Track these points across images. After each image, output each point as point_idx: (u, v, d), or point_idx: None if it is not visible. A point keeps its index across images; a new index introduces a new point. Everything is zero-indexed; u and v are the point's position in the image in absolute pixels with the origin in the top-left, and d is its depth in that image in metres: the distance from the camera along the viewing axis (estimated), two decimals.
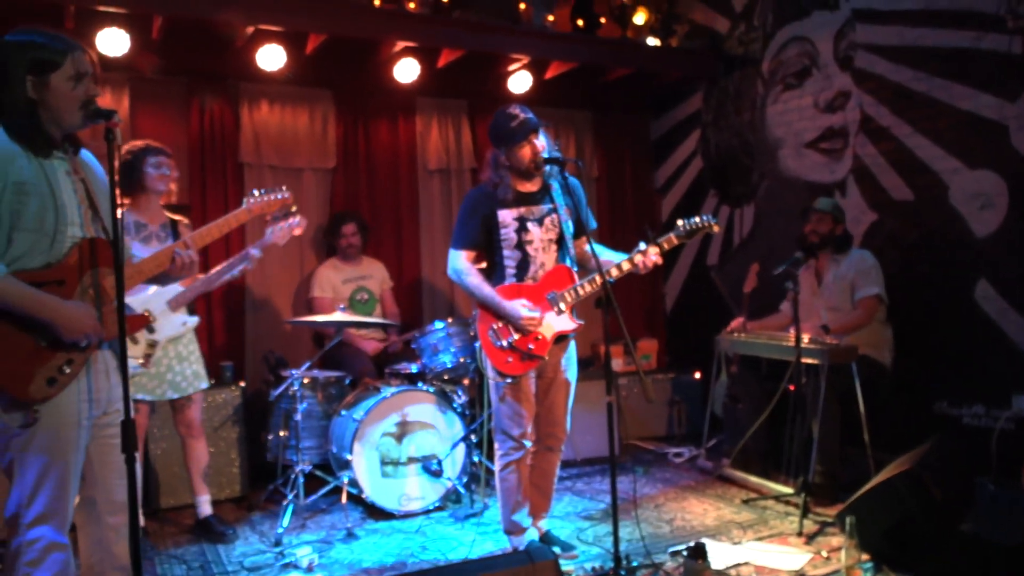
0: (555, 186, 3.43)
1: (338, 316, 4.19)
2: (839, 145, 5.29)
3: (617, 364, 5.71)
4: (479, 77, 6.01)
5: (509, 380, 3.32)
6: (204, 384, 3.93)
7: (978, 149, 4.48)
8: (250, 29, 4.85)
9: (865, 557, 3.25)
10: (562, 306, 3.37)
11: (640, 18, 6.22)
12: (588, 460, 5.08)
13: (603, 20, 6.04)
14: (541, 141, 3.35)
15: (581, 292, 3.36)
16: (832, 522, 3.79)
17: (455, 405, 4.33)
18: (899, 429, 4.63)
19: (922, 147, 4.76)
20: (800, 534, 3.74)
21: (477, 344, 3.40)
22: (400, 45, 5.29)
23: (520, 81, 5.89)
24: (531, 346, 3.31)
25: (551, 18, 5.82)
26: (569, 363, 3.50)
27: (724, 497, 4.43)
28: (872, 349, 4.40)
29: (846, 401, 4.21)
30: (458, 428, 4.32)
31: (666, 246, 3.40)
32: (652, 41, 6.15)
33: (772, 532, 3.82)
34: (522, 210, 3.40)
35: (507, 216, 3.39)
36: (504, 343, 3.32)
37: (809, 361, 4.16)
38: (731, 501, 4.35)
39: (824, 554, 3.48)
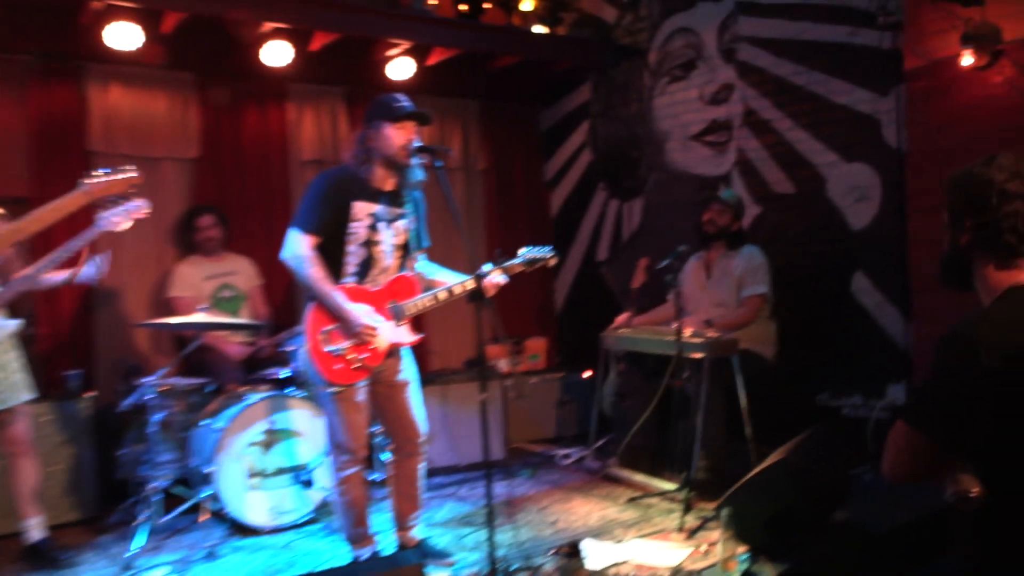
0: (405, 194, 3.45)
1: (198, 317, 4.09)
2: (724, 138, 5.53)
3: (503, 365, 5.79)
4: (356, 63, 5.98)
5: (335, 388, 3.29)
6: (28, 395, 3.71)
7: (854, 143, 4.77)
8: (98, 4, 4.69)
9: (742, 549, 3.42)
10: (403, 317, 3.39)
11: (527, 5, 6.32)
12: (472, 465, 5.13)
13: (488, 6, 6.11)
14: (417, 136, 3.37)
15: (423, 305, 3.40)
16: (713, 516, 3.96)
17: None
18: (782, 422, 4.87)
19: (802, 141, 5.02)
20: (682, 529, 3.90)
21: (303, 345, 3.33)
22: (269, 26, 5.21)
23: (400, 67, 5.89)
24: (364, 355, 3.29)
25: (433, 1, 5.85)
26: (405, 363, 3.51)
27: (610, 496, 4.56)
28: (755, 343, 4.61)
29: (730, 395, 4.40)
30: None
31: (509, 270, 3.53)
32: (539, 29, 6.26)
33: (655, 529, 3.96)
34: (377, 207, 3.37)
35: (362, 209, 3.34)
36: (335, 348, 3.26)
37: (691, 355, 4.34)
38: (616, 500, 4.49)
39: (703, 548, 3.64)
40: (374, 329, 3.28)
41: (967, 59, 4.03)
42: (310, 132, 5.92)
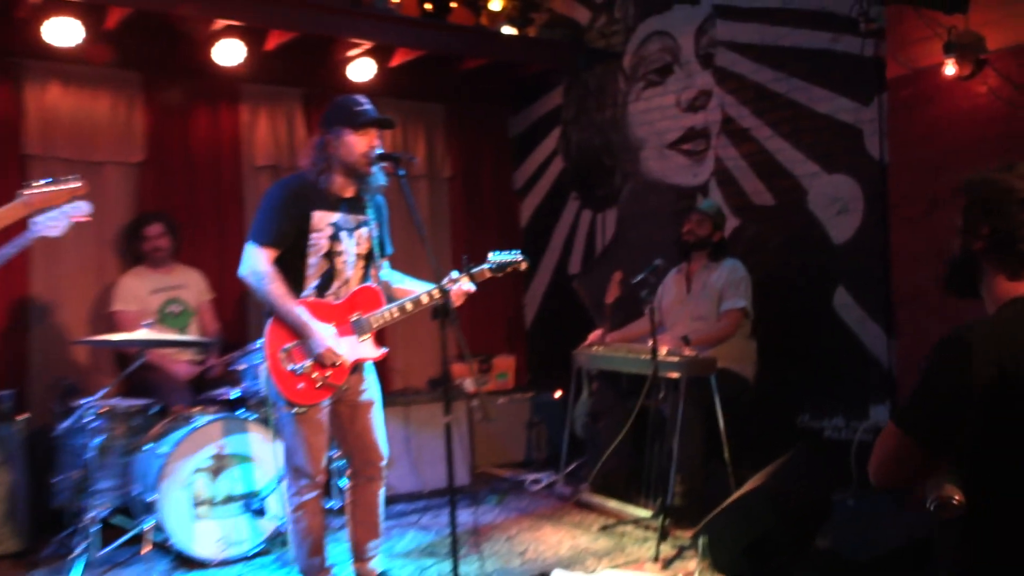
0: (368, 200, 3.47)
1: (142, 334, 4.05)
2: (701, 147, 5.60)
3: (469, 385, 5.79)
4: (315, 63, 5.98)
5: (298, 409, 3.29)
6: None
7: (835, 153, 4.86)
8: None
9: None
10: (366, 331, 3.40)
11: (496, 4, 6.37)
12: (436, 492, 5.12)
13: (454, 5, 6.15)
14: (379, 141, 3.39)
15: (388, 317, 3.41)
16: (689, 545, 4.00)
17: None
18: (762, 444, 4.93)
19: (782, 150, 5.11)
20: (657, 559, 3.92)
21: (263, 364, 3.34)
22: (220, 23, 5.20)
23: (362, 69, 5.90)
24: (327, 373, 3.29)
25: (396, 0, 5.88)
26: (368, 382, 3.52)
27: (581, 525, 4.58)
28: (733, 362, 4.67)
29: (708, 417, 4.44)
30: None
31: (478, 277, 3.55)
32: (508, 30, 6.31)
33: (629, 559, 3.98)
34: (338, 216, 3.39)
35: (323, 219, 3.36)
36: (296, 367, 3.26)
37: (668, 375, 4.37)
38: (588, 528, 4.50)
39: None
40: (338, 355, 3.28)
41: (950, 68, 4.13)
42: (265, 136, 5.91)
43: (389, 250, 3.61)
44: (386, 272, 3.65)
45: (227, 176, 5.77)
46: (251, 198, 5.85)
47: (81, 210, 3.30)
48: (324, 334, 3.27)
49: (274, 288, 3.26)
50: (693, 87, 5.64)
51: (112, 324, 5.00)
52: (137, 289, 5.05)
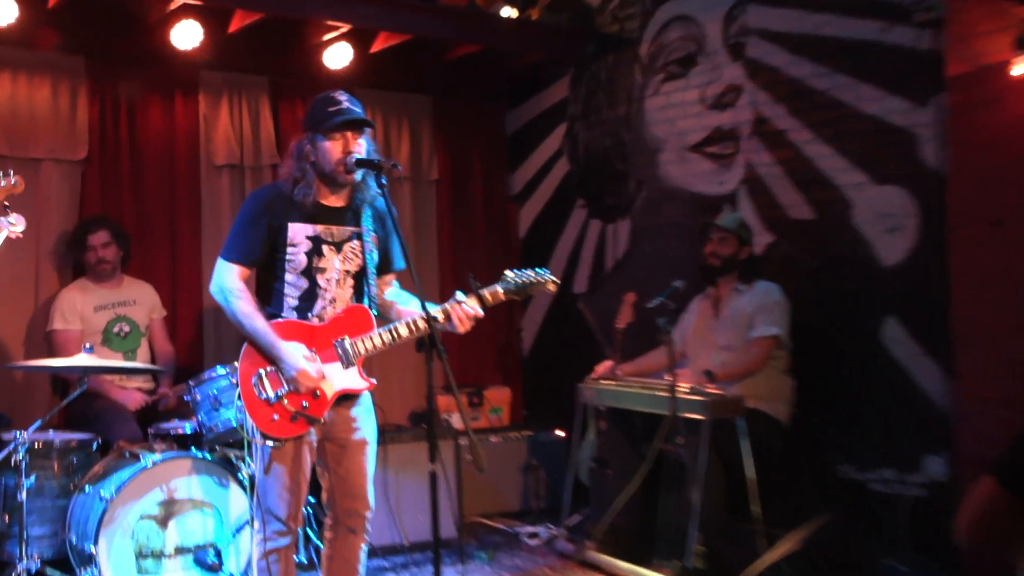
0: (365, 208, 3.49)
1: (82, 358, 4.04)
2: (729, 150, 5.59)
3: (456, 421, 5.76)
4: (284, 48, 5.99)
5: (272, 443, 3.32)
6: None
7: (885, 161, 4.85)
8: None
9: None
10: (352, 358, 3.40)
11: None
12: (418, 545, 5.09)
13: None
14: (361, 144, 3.40)
15: (379, 343, 3.40)
16: None
17: (241, 477, 4.25)
18: (797, 498, 4.91)
19: (823, 156, 5.10)
20: None
21: (226, 396, 3.38)
22: (176, 2, 5.21)
23: (338, 55, 5.91)
24: (305, 403, 3.32)
25: None
26: (363, 418, 3.53)
27: None
28: (765, 402, 4.65)
29: (733, 465, 4.43)
30: (244, 507, 4.25)
31: (489, 299, 3.47)
32: (507, 12, 6.32)
33: None
34: (320, 228, 3.42)
35: (300, 232, 3.40)
36: (271, 395, 3.31)
37: (688, 415, 4.35)
38: None
39: None
40: (313, 377, 3.29)
41: (1020, 67, 4.13)
42: (227, 130, 5.92)
43: (398, 265, 3.62)
44: (393, 292, 3.66)
45: (183, 176, 5.78)
46: (210, 201, 5.88)
47: (15, 225, 3.29)
48: (295, 354, 3.30)
49: (241, 305, 3.34)
50: (720, 81, 5.64)
51: (50, 345, 5.00)
52: (79, 305, 5.04)
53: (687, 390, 4.41)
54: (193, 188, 5.80)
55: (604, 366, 5.08)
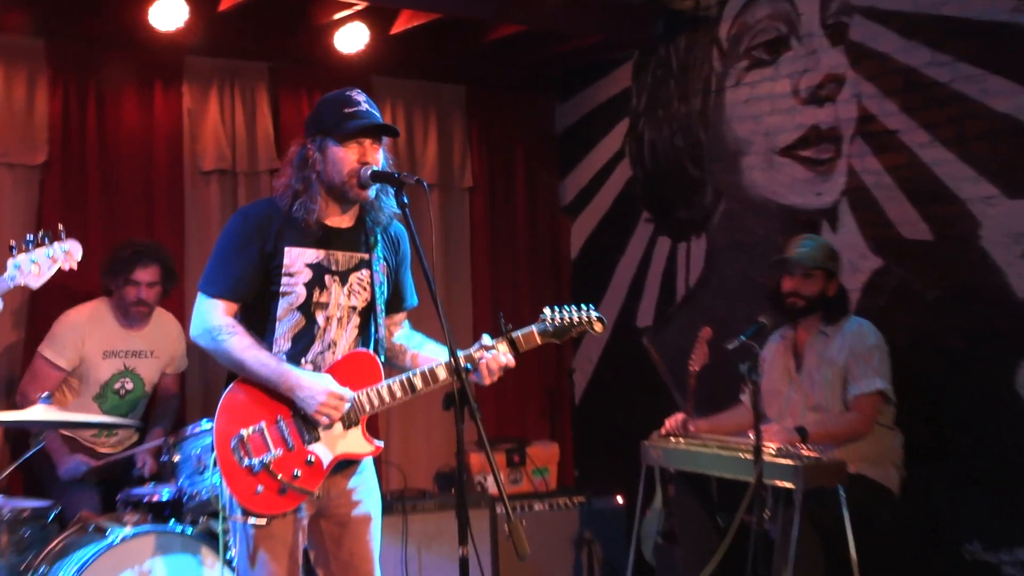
0: (376, 231, 3.50)
1: (38, 411, 4.05)
2: (828, 154, 5.59)
3: (493, 484, 5.78)
4: (287, 28, 6.07)
5: (255, 520, 3.29)
6: None
7: (1020, 169, 4.83)
8: None
9: None
10: (354, 416, 3.38)
11: None
12: None
13: None
14: (379, 154, 3.41)
15: (387, 398, 3.40)
16: None
17: (230, 556, 4.27)
18: None
19: (944, 163, 5.08)
20: None
21: (211, 458, 3.36)
22: None
23: (351, 37, 5.97)
24: (297, 472, 3.30)
25: None
26: (365, 489, 3.52)
27: None
28: (870, 465, 4.64)
29: (832, 542, 4.41)
30: None
31: (523, 343, 3.47)
32: None
33: None
34: (323, 254, 3.42)
35: (299, 258, 3.38)
36: (254, 462, 3.28)
37: (777, 483, 4.35)
38: None
39: None
40: (343, 398, 3.29)
41: None
42: (216, 128, 5.98)
43: (411, 302, 3.65)
44: (404, 334, 3.69)
45: (162, 185, 5.84)
46: (195, 215, 5.95)
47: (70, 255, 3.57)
48: (317, 380, 3.30)
49: (234, 342, 3.31)
50: (817, 70, 5.63)
51: (32, 371, 5.01)
52: (87, 344, 5.03)
53: (776, 452, 4.40)
54: (175, 199, 5.86)
55: (674, 420, 5.07)
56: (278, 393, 3.32)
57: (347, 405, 3.31)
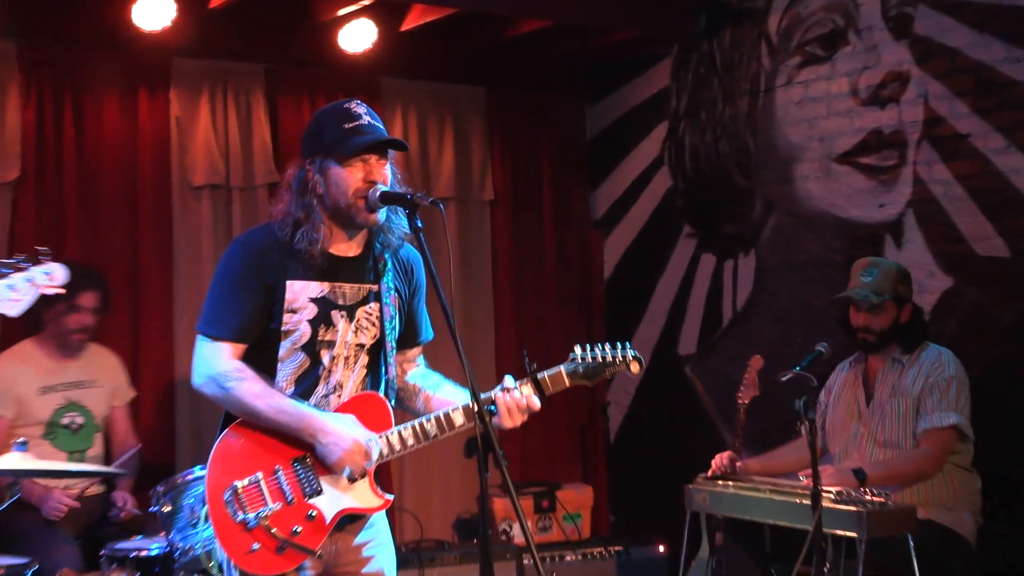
0: (387, 258, 3.51)
1: (12, 459, 4.08)
2: (892, 161, 5.59)
3: (520, 532, 5.78)
4: (286, 26, 6.13)
5: None
6: None
7: None
8: None
9: None
10: (364, 466, 3.37)
11: None
12: None
13: None
14: (386, 171, 3.41)
15: (398, 446, 3.38)
16: None
17: None
18: None
19: (1021, 170, 5.07)
20: None
21: (202, 511, 3.32)
22: None
23: (358, 35, 6.02)
24: (297, 528, 3.28)
25: None
26: (377, 545, 3.51)
27: None
28: (943, 511, 4.62)
29: None
30: None
31: (550, 385, 3.45)
32: None
33: None
34: (329, 287, 3.41)
35: (302, 292, 3.37)
36: (249, 517, 3.26)
37: (838, 532, 4.34)
38: None
39: None
40: (367, 453, 3.28)
41: None
42: (208, 138, 6.02)
43: (426, 336, 3.64)
44: (418, 373, 3.68)
45: (148, 202, 5.88)
46: (185, 235, 5.98)
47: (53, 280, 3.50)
48: (341, 425, 3.29)
49: (246, 387, 3.29)
50: (879, 67, 5.64)
51: None
52: (19, 385, 5.10)
53: (836, 497, 4.39)
54: (162, 217, 5.90)
55: (721, 459, 5.06)
56: (279, 439, 3.33)
57: (375, 454, 3.31)
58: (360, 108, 3.42)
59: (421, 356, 3.71)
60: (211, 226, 6.05)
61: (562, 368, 3.48)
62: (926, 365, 4.76)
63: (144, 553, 4.53)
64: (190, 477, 4.36)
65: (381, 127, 3.43)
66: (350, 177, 3.34)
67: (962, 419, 4.66)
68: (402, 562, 4.99)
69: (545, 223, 7.00)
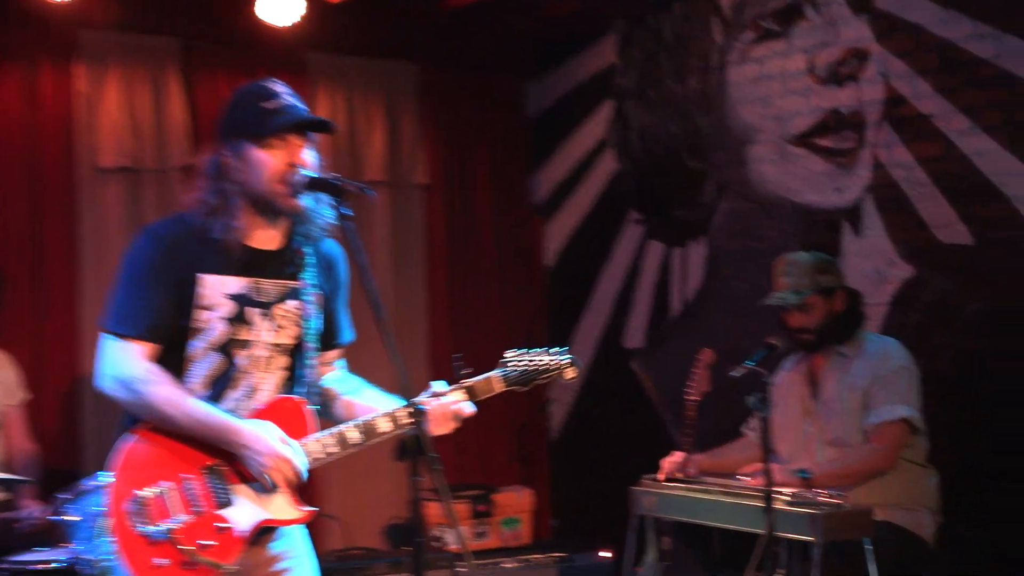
0: (307, 251, 3.45)
1: None
2: (850, 143, 5.63)
3: (453, 538, 5.78)
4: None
5: None
6: None
7: None
8: None
9: None
10: (291, 476, 3.37)
11: None
12: None
13: None
14: (309, 155, 3.39)
15: (320, 454, 3.34)
16: None
17: None
18: None
19: (987, 154, 5.13)
20: None
21: (103, 521, 3.27)
22: None
23: (281, 6, 5.95)
24: (208, 541, 3.22)
25: None
26: (293, 554, 3.47)
27: None
28: (900, 511, 4.66)
29: None
30: None
31: (481, 392, 3.48)
32: None
33: None
34: (248, 282, 3.37)
35: (218, 288, 3.32)
36: (154, 530, 3.21)
37: (792, 536, 4.38)
38: None
39: None
40: (294, 465, 3.23)
41: None
42: (117, 116, 5.99)
43: (346, 337, 3.61)
44: (337, 376, 3.66)
45: (50, 185, 5.85)
46: (92, 222, 5.95)
47: None
48: (263, 434, 3.23)
49: (159, 392, 3.23)
50: (837, 44, 5.67)
51: None
52: None
53: (790, 499, 4.43)
54: (67, 202, 5.87)
55: (671, 460, 5.08)
56: (189, 445, 3.28)
57: (303, 464, 3.26)
58: (280, 87, 3.37)
59: (342, 359, 3.68)
60: (121, 212, 6.01)
61: (493, 374, 3.50)
62: (873, 357, 4.78)
63: (47, 566, 4.49)
64: (94, 483, 4.32)
65: (303, 107, 3.40)
66: (270, 160, 3.26)
67: (913, 412, 4.68)
68: (327, 573, 4.98)
69: (483, 209, 7.01)
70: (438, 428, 3.36)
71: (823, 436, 4.84)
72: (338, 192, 3.23)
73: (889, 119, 5.49)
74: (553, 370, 3.52)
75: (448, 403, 3.39)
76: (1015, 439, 5.02)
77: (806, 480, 4.50)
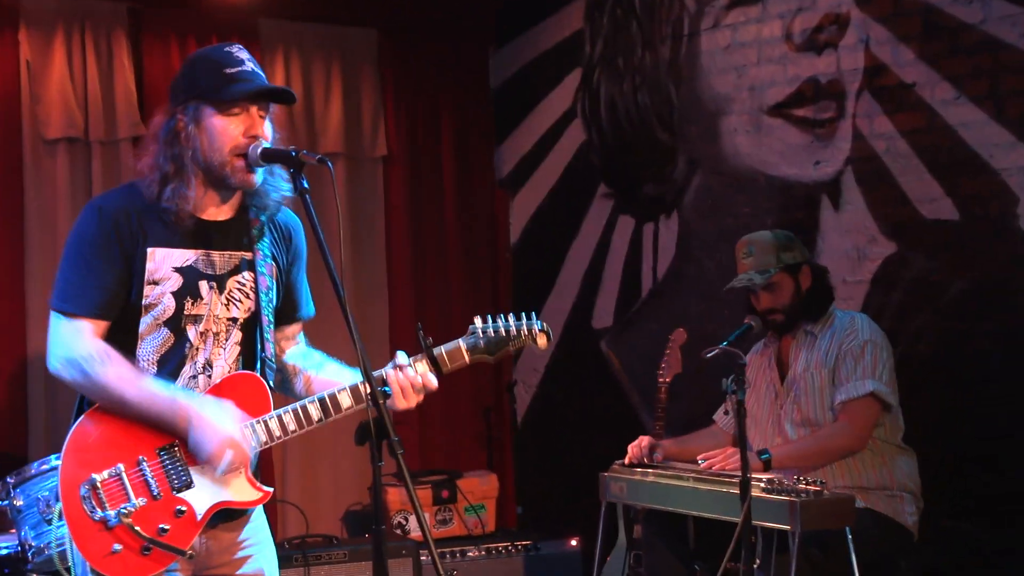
0: (263, 222, 3.44)
1: None
2: (829, 113, 5.61)
3: (416, 526, 5.76)
4: None
5: None
6: None
7: None
8: None
9: None
10: (243, 457, 3.36)
11: None
12: None
13: None
14: (267, 127, 3.37)
15: (278, 432, 3.34)
16: None
17: None
18: None
19: (973, 125, 5.11)
20: None
21: (57, 507, 3.26)
22: None
23: None
24: (164, 526, 3.23)
25: None
26: (253, 540, 3.48)
27: None
28: (881, 496, 4.66)
29: None
30: None
31: (448, 362, 3.45)
32: None
33: None
34: (196, 254, 3.36)
35: (166, 261, 3.31)
36: (109, 515, 3.20)
37: (768, 524, 4.35)
38: None
39: None
40: (244, 449, 3.21)
41: None
42: (63, 85, 5.95)
43: (306, 311, 3.60)
44: (298, 351, 3.64)
45: None
46: (38, 195, 5.93)
47: None
48: (218, 414, 3.22)
49: (112, 372, 3.21)
50: (815, 9, 5.65)
51: None
52: None
53: (767, 486, 4.40)
54: (11, 175, 5.84)
55: (639, 445, 5.06)
56: (143, 426, 3.26)
57: (254, 442, 3.27)
58: (242, 52, 3.35)
59: (301, 334, 3.65)
60: (68, 185, 5.99)
61: (461, 342, 3.46)
62: (839, 332, 4.79)
63: None
64: (45, 467, 4.31)
65: (264, 76, 3.38)
66: (229, 129, 3.26)
67: (881, 386, 4.66)
68: (285, 560, 4.99)
69: (445, 182, 6.99)
70: (403, 402, 3.35)
71: (793, 417, 4.84)
72: (295, 164, 3.21)
73: (870, 88, 5.48)
74: (523, 337, 3.50)
75: (413, 375, 3.36)
76: (1000, 424, 5.01)
77: (765, 461, 4.48)
